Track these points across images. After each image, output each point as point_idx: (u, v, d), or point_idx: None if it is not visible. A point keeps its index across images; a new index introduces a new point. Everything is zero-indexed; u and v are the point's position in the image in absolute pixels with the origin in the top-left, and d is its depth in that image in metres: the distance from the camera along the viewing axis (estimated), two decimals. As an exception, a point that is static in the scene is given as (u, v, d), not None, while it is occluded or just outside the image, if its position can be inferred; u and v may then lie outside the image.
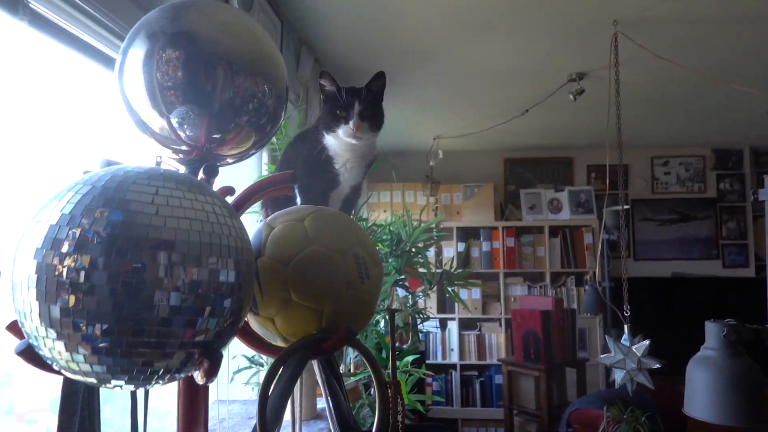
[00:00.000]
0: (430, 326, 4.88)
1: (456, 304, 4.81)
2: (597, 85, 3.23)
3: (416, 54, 2.87)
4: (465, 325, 4.94)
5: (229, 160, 0.82)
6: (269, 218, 0.81)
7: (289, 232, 0.76)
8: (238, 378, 1.76)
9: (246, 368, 1.75)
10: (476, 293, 4.86)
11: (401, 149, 5.08)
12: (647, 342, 2.22)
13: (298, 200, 1.16)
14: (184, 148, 0.76)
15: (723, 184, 5.25)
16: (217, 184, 0.81)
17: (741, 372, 1.41)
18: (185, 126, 0.72)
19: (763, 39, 2.70)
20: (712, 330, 1.49)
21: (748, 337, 1.43)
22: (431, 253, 4.85)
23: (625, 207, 3.53)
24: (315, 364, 0.88)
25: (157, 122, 0.73)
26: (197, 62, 0.71)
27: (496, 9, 2.35)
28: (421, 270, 2.12)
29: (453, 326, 4.92)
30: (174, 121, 0.72)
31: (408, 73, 3.15)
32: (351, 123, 1.07)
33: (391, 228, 2.11)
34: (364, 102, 1.09)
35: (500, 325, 4.87)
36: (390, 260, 2.00)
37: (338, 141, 1.10)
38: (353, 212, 1.25)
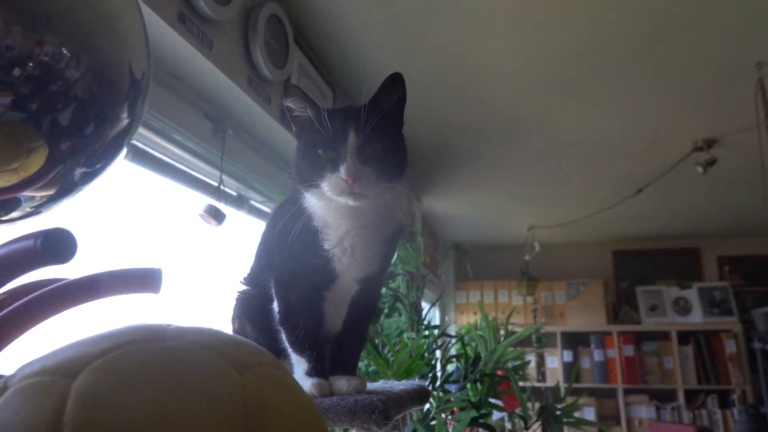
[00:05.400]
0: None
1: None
2: (732, 152, 2.59)
3: (503, 127, 2.42)
4: (578, 454, 4.03)
5: (25, 204, 0.37)
6: (20, 367, 0.31)
7: (17, 411, 0.26)
8: None
9: None
10: (589, 413, 4.01)
11: (490, 242, 4.53)
12: None
13: (275, 307, 0.68)
14: None
15: None
16: None
17: None
18: None
19: None
20: None
21: None
22: (530, 361, 4.11)
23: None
24: None
25: None
26: None
27: (599, 65, 1.88)
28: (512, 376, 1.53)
29: (563, 455, 4.04)
30: None
31: (493, 151, 2.70)
32: (342, 170, 0.60)
33: (468, 338, 1.57)
34: (367, 130, 0.61)
35: (624, 456, 3.93)
36: (467, 387, 1.44)
37: (325, 202, 0.64)
38: (367, 331, 0.73)
